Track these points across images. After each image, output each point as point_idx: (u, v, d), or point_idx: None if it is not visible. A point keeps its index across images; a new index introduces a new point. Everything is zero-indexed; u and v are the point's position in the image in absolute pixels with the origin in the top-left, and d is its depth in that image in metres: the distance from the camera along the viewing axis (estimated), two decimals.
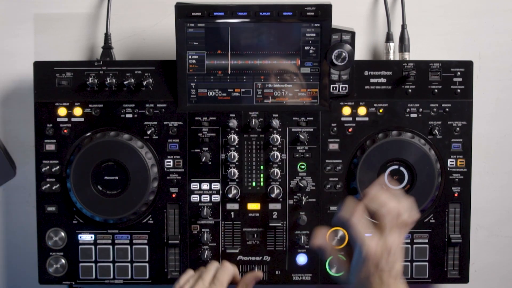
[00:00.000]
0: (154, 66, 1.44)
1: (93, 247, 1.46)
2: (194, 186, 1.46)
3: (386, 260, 1.16)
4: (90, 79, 1.43)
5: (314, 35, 1.42)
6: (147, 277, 1.47)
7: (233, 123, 1.44)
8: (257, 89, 1.44)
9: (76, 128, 1.44)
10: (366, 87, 1.45)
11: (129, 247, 1.46)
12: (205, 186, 1.46)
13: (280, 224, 1.46)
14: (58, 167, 1.45)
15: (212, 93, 1.44)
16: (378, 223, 1.17)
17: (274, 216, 1.46)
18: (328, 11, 1.40)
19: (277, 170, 1.45)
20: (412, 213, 1.19)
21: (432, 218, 1.46)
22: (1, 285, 1.61)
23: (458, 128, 1.45)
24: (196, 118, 1.45)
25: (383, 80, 1.45)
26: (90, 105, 1.44)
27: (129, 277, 1.46)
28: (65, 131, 1.44)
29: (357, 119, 1.45)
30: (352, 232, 1.17)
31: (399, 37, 1.52)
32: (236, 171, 1.45)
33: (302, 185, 1.44)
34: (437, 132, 1.44)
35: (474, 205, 1.50)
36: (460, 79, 1.45)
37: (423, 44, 1.56)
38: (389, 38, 1.53)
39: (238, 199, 1.46)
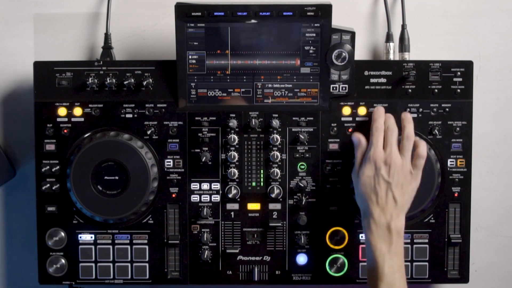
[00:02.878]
0: (154, 66, 1.44)
1: (93, 247, 1.46)
2: (194, 186, 1.46)
3: (387, 170, 1.34)
4: (90, 79, 1.43)
5: (314, 35, 1.42)
6: (147, 277, 1.47)
7: (233, 123, 1.44)
8: (257, 89, 1.44)
9: (76, 128, 1.44)
10: (366, 87, 1.45)
11: (129, 247, 1.46)
12: (205, 186, 1.46)
13: (280, 224, 1.46)
14: (58, 167, 1.45)
15: (212, 93, 1.44)
16: (385, 137, 1.37)
17: (274, 216, 1.46)
18: (328, 11, 1.40)
19: (277, 170, 1.45)
20: (421, 145, 1.38)
21: (432, 218, 1.46)
22: (1, 285, 1.61)
23: (458, 128, 1.45)
24: (196, 118, 1.45)
25: (383, 80, 1.45)
26: (90, 105, 1.44)
27: (129, 277, 1.46)
28: (65, 131, 1.44)
29: (357, 119, 1.45)
30: (371, 136, 1.38)
31: (399, 37, 1.52)
32: (236, 171, 1.45)
33: (302, 185, 1.44)
34: (437, 132, 1.44)
35: (474, 205, 1.50)
36: (460, 79, 1.45)
37: (423, 44, 1.56)
38: (389, 38, 1.53)
39: (238, 199, 1.46)
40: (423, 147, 1.38)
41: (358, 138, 1.41)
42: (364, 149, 1.40)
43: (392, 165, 1.35)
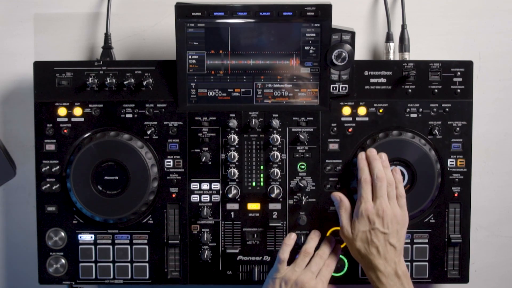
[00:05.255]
0: (154, 66, 1.44)
1: (93, 247, 1.46)
2: (194, 186, 1.46)
3: (381, 222, 1.35)
4: (90, 79, 1.43)
5: (314, 35, 1.42)
6: (147, 277, 1.47)
7: (233, 123, 1.44)
8: (257, 89, 1.44)
9: (76, 128, 1.44)
10: (366, 87, 1.45)
11: (129, 247, 1.46)
12: (205, 186, 1.46)
13: (280, 224, 1.46)
14: (58, 167, 1.45)
15: (212, 93, 1.44)
16: (374, 190, 1.37)
17: (274, 216, 1.46)
18: (328, 11, 1.40)
19: (277, 170, 1.45)
20: (399, 186, 1.40)
21: (432, 218, 1.46)
22: (1, 285, 1.61)
23: (458, 128, 1.45)
24: (196, 118, 1.45)
25: (383, 80, 1.45)
26: (90, 105, 1.44)
27: (129, 277, 1.46)
28: (65, 131, 1.44)
29: (357, 119, 1.45)
30: (358, 187, 1.38)
31: (399, 37, 1.52)
32: (236, 171, 1.45)
33: (302, 185, 1.44)
34: (437, 132, 1.44)
35: (474, 205, 1.50)
36: (460, 79, 1.45)
37: (423, 44, 1.56)
38: (389, 38, 1.53)
39: (238, 199, 1.46)
40: (401, 187, 1.39)
41: (339, 197, 1.42)
42: (348, 208, 1.40)
43: (385, 217, 1.35)
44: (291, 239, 1.42)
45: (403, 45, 1.52)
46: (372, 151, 1.41)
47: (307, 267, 1.39)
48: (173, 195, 1.46)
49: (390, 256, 1.35)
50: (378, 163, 1.39)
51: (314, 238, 1.43)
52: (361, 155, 1.41)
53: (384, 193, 1.37)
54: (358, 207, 1.37)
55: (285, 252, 1.40)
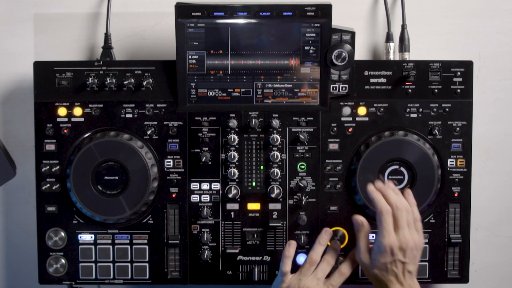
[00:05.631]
0: (154, 66, 1.44)
1: (93, 247, 1.46)
2: (194, 186, 1.46)
3: (403, 254, 1.33)
4: (90, 79, 1.43)
5: (314, 35, 1.42)
6: (147, 277, 1.47)
7: (233, 123, 1.44)
8: (257, 89, 1.44)
9: (76, 128, 1.44)
10: (366, 87, 1.45)
11: (129, 247, 1.46)
12: (205, 186, 1.46)
13: (280, 224, 1.46)
14: (58, 167, 1.45)
15: (212, 93, 1.44)
16: (394, 220, 1.35)
17: (274, 216, 1.46)
18: (328, 11, 1.40)
19: (277, 170, 1.45)
20: (414, 209, 1.38)
21: (432, 218, 1.46)
22: (1, 285, 1.61)
23: (458, 128, 1.45)
24: (196, 118, 1.45)
25: (383, 80, 1.45)
26: (90, 105, 1.44)
27: (129, 277, 1.46)
28: (65, 131, 1.44)
29: (357, 119, 1.45)
30: (378, 222, 1.36)
31: (399, 37, 1.52)
32: (236, 171, 1.45)
33: (302, 185, 1.44)
34: (437, 132, 1.44)
35: (474, 205, 1.50)
36: (460, 79, 1.45)
37: (423, 44, 1.56)
38: (389, 38, 1.53)
39: (238, 199, 1.46)
40: (416, 210, 1.38)
41: (361, 221, 1.39)
42: (367, 233, 1.38)
43: (407, 249, 1.34)
44: (290, 249, 1.40)
45: (403, 45, 1.52)
46: (379, 183, 1.39)
47: (313, 274, 1.38)
48: (173, 195, 1.46)
49: (407, 280, 1.35)
50: (391, 192, 1.37)
51: (322, 243, 1.41)
52: (371, 188, 1.38)
53: (405, 223, 1.35)
54: (381, 241, 1.34)
55: (286, 265, 1.39)
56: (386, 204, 1.36)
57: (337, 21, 1.42)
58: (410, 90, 1.45)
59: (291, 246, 1.40)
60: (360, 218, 1.39)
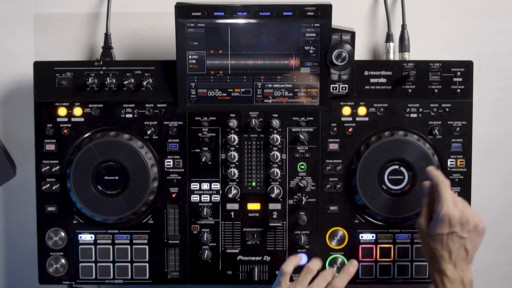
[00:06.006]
0: (154, 66, 1.44)
1: (93, 247, 1.46)
2: (194, 186, 1.46)
3: (462, 227, 1.30)
4: (90, 79, 1.43)
5: (314, 35, 1.42)
6: (147, 277, 1.47)
7: (233, 123, 1.44)
8: (257, 89, 1.44)
9: (76, 128, 1.44)
10: (366, 87, 1.45)
11: (129, 247, 1.46)
12: (205, 186, 1.46)
13: (280, 224, 1.46)
14: (58, 167, 1.45)
15: (212, 93, 1.44)
16: (455, 201, 1.32)
17: (274, 216, 1.46)
18: (328, 11, 1.40)
19: (277, 170, 1.45)
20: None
21: None
22: (1, 285, 1.61)
23: (458, 128, 1.45)
24: (196, 118, 1.45)
25: (383, 80, 1.45)
26: (90, 105, 1.44)
27: (129, 277, 1.46)
28: (65, 131, 1.44)
29: (357, 119, 1.45)
30: (439, 190, 1.32)
31: (399, 37, 1.52)
32: (236, 171, 1.45)
33: (302, 185, 1.44)
34: (437, 132, 1.44)
35: (474, 205, 1.50)
36: (460, 79, 1.45)
37: (423, 44, 1.56)
38: (389, 38, 1.53)
39: (238, 199, 1.46)
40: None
41: (433, 181, 1.35)
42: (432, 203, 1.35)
43: (467, 224, 1.30)
44: (297, 258, 1.41)
45: (403, 45, 1.52)
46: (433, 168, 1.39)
47: (309, 287, 1.37)
48: (173, 195, 1.46)
49: (460, 261, 1.31)
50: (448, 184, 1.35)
51: (318, 260, 1.41)
52: (429, 168, 1.37)
53: (466, 204, 1.33)
54: (440, 210, 1.30)
55: (289, 266, 1.38)
56: (446, 178, 1.34)
57: (337, 21, 1.42)
58: (410, 90, 1.45)
59: (301, 259, 1.42)
60: (430, 184, 1.35)
